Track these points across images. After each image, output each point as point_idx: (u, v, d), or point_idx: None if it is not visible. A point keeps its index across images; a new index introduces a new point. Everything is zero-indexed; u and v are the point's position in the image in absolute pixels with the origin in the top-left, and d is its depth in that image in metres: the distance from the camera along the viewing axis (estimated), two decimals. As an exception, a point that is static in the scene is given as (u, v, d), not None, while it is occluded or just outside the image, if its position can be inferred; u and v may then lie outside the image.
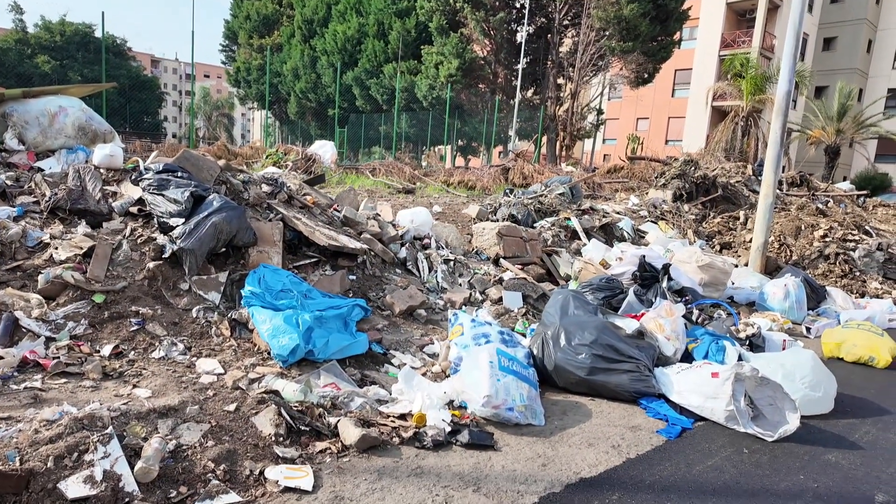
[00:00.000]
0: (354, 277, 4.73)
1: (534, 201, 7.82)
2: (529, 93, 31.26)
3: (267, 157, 10.74)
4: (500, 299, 5.18)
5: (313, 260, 4.62)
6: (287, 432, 2.79)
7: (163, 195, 3.92)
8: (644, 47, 25.34)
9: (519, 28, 30.17)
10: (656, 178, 10.44)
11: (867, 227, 10.41)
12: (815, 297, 6.79)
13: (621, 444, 3.14)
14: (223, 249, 4.05)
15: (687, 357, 4.22)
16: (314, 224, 4.76)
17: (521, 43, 29.74)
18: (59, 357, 2.99)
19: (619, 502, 2.55)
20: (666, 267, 5.55)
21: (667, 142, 39.06)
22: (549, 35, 28.67)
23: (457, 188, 11.28)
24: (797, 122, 30.71)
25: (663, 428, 3.37)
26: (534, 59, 29.27)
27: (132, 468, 2.21)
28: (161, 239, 3.81)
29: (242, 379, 3.14)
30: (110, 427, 2.36)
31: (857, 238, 8.47)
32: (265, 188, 4.78)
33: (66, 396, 2.73)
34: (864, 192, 14.96)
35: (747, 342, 4.74)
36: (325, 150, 11.67)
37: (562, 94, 28.77)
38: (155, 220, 3.90)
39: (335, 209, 5.42)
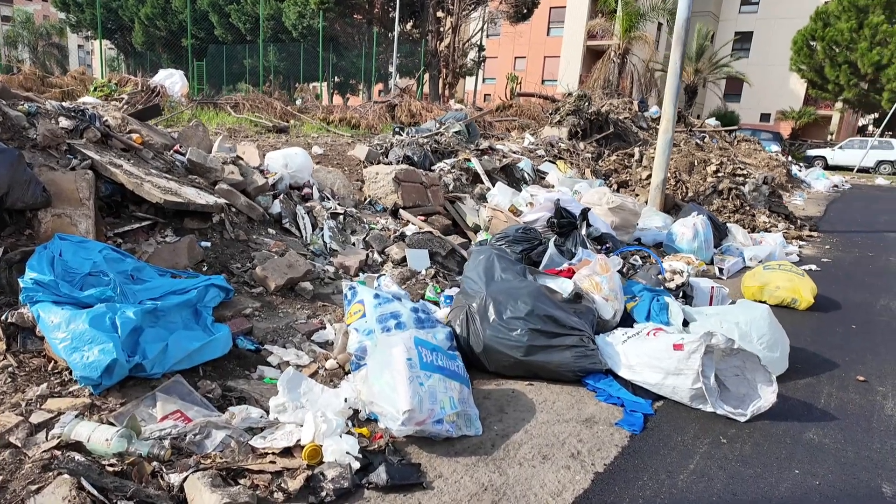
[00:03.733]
0: (209, 244, 3.54)
1: (430, 140, 6.85)
2: (409, 25, 29.50)
3: (95, 90, 8.64)
4: (404, 259, 4.26)
5: (146, 223, 3.35)
6: (95, 515, 1.72)
7: None
8: (523, -20, 24.62)
9: (393, -48, 28.05)
10: (551, 114, 9.87)
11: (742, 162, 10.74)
12: (718, 234, 6.61)
13: (581, 450, 2.43)
14: (-8, 216, 2.70)
15: (625, 319, 3.62)
16: (143, 173, 3.45)
17: (396, -31, 27.72)
18: None
19: (606, 556, 1.83)
20: (584, 212, 4.93)
21: (543, 81, 39.31)
22: (428, -38, 26.91)
23: (338, 127, 9.95)
24: (660, 61, 32.09)
25: (622, 418, 2.71)
26: (411, -13, 27.43)
27: None
28: None
29: (16, 428, 1.96)
30: None
31: (745, 173, 8.53)
32: (65, 122, 3.35)
33: None
34: (734, 127, 15.68)
35: (680, 293, 4.27)
36: (172, 80, 9.71)
37: (442, 29, 27.41)
38: None
39: (177, 151, 4.09)
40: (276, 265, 3.49)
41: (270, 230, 4.05)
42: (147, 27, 32.00)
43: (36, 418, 2.03)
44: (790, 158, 19.42)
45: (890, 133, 26.75)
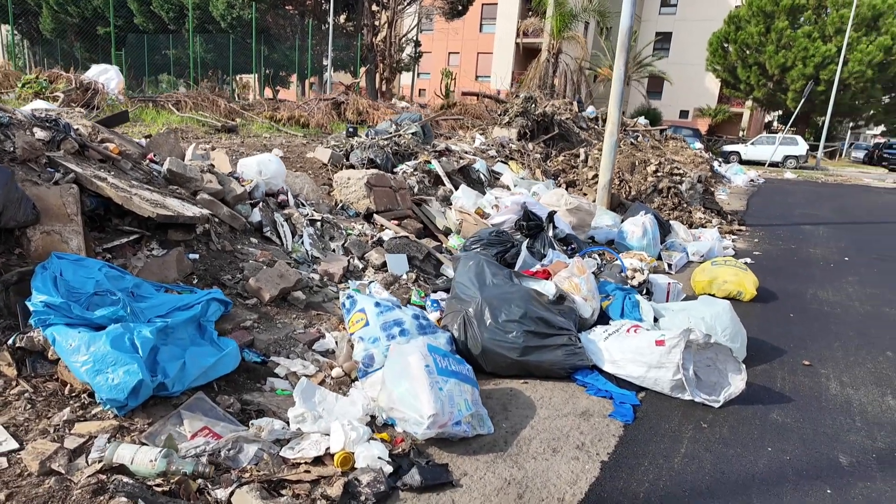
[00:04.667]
0: (197, 256, 3.50)
1: (390, 143, 6.92)
2: (342, 18, 29.08)
3: (24, 87, 8.06)
4: (384, 265, 4.36)
5: (133, 237, 3.29)
6: (154, 535, 1.76)
7: None
8: (457, -23, 24.84)
9: (325, -57, 27.56)
10: (500, 116, 10.13)
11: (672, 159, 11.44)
12: (663, 231, 7.09)
13: (584, 441, 2.65)
14: (-16, 236, 2.59)
15: (600, 316, 3.90)
16: (127, 185, 3.37)
17: (328, -39, 27.25)
18: None
19: (628, 536, 2.06)
20: (551, 215, 5.18)
21: (477, 77, 39.82)
22: (360, -44, 26.62)
23: (286, 126, 9.79)
24: (589, 59, 33.28)
25: (614, 410, 2.97)
26: (344, -20, 27.04)
27: None
28: None
29: (56, 455, 1.95)
30: None
31: (681, 172, 9.13)
32: (41, 134, 3.22)
33: None
34: (664, 127, 16.58)
35: (644, 290, 4.61)
36: (107, 76, 9.20)
37: (377, 23, 27.22)
38: None
39: (152, 160, 3.99)
40: (268, 276, 3.51)
41: (252, 239, 4.03)
42: (57, 13, 29.76)
43: (70, 443, 2.02)
44: (711, 155, 20.75)
45: (794, 129, 29.04)
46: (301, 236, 4.30)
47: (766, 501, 2.31)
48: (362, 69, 26.80)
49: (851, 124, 41.34)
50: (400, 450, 2.43)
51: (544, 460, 2.48)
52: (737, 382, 3.08)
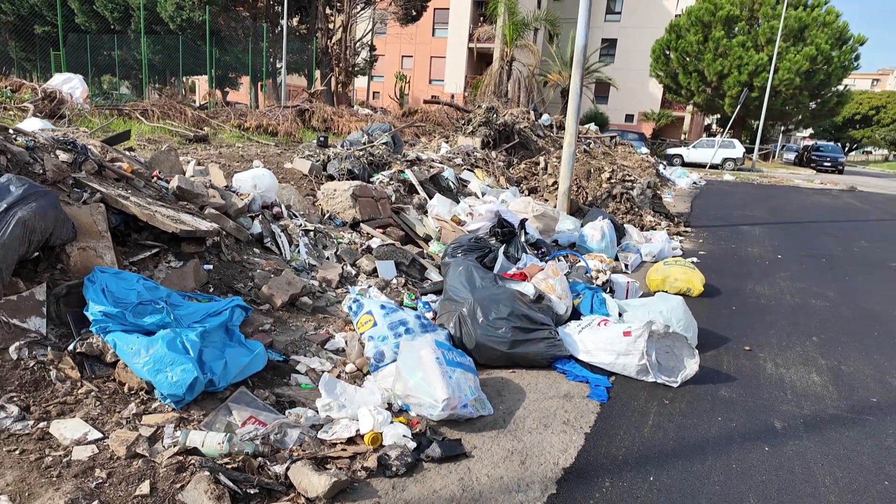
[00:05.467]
0: (211, 266, 3.81)
1: (365, 153, 7.28)
2: (295, 21, 29.00)
3: (-12, 97, 7.99)
4: (374, 271, 4.74)
5: (154, 251, 3.57)
6: (232, 503, 2.12)
7: (-84, 180, 2.52)
8: (411, -18, 25.25)
9: (276, -53, 27.45)
10: (464, 125, 10.62)
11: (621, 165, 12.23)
12: (618, 234, 7.73)
13: (569, 418, 3.14)
14: (35, 254, 2.84)
15: (573, 313, 4.41)
16: (145, 202, 3.64)
17: (280, -36, 27.17)
18: None
19: (613, 489, 2.54)
20: (523, 222, 5.69)
21: (431, 80, 40.34)
22: (313, -41, 26.66)
23: (254, 133, 9.97)
24: (539, 66, 34.32)
25: (590, 392, 3.47)
26: (296, -17, 26.97)
27: None
28: (-72, 249, 2.48)
29: (138, 441, 2.28)
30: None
31: (632, 179, 9.85)
32: (63, 156, 3.45)
33: None
34: (614, 134, 17.47)
35: (608, 289, 5.17)
36: (71, 85, 9.16)
37: (332, 27, 27.30)
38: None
39: (157, 177, 4.24)
40: (278, 283, 3.85)
41: (255, 250, 4.35)
42: (-12, 10, 28.45)
43: (144, 432, 2.34)
44: (657, 158, 21.91)
45: (731, 133, 30.84)
46: (297, 246, 4.64)
47: (718, 459, 2.85)
48: (317, 72, 26.83)
49: (783, 128, 44.09)
50: (417, 430, 2.84)
51: (538, 434, 2.95)
52: (691, 365, 3.64)
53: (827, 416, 3.37)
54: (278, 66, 27.89)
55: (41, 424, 2.28)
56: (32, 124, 4.58)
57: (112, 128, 8.48)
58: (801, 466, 2.82)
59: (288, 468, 2.36)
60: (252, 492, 2.19)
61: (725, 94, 30.71)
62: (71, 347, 2.65)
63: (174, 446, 2.30)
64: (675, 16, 37.36)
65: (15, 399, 2.36)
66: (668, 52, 33.73)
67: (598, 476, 2.63)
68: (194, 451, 2.30)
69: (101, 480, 2.06)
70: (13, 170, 3.17)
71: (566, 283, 4.40)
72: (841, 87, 32.82)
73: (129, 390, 2.62)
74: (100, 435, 2.29)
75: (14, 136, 3.42)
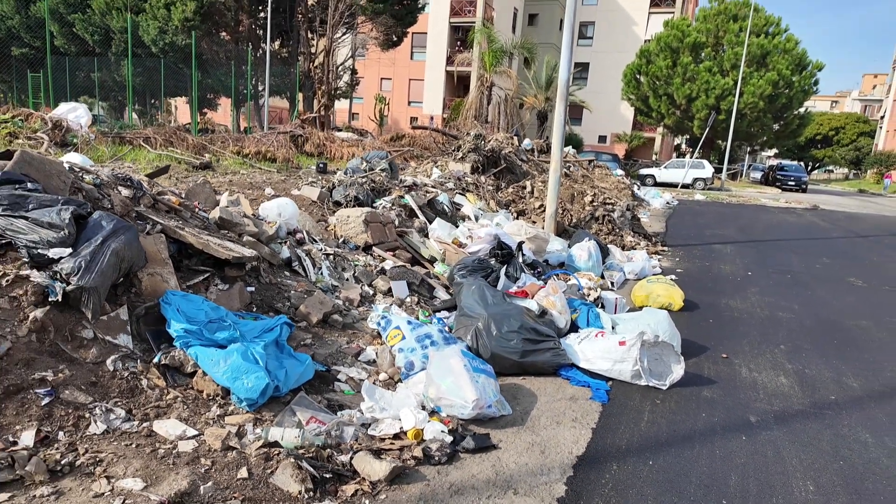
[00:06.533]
0: (253, 288, 4.24)
1: (367, 180, 7.78)
2: (277, 45, 29.52)
3: (1, 127, 8.28)
4: (389, 290, 5.22)
5: (205, 276, 4.00)
6: (313, 485, 2.56)
7: (25, 217, 2.92)
8: (392, 10, 26.02)
9: (259, -27, 28.03)
10: (454, 151, 11.21)
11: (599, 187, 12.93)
12: (603, 254, 8.33)
13: (577, 416, 3.64)
14: (120, 280, 3.25)
15: (572, 326, 4.94)
16: (196, 232, 4.08)
17: (263, -11, 27.78)
18: (-25, 466, 2.16)
19: (619, 471, 3.04)
20: (520, 244, 6.23)
21: (409, 102, 41.14)
22: (296, -15, 27.31)
23: (254, 160, 10.39)
24: (517, 90, 35.36)
25: (592, 395, 3.98)
26: (278, 8, 27.55)
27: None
28: (37, 277, 2.88)
29: (229, 436, 2.71)
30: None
31: (613, 202, 10.52)
32: (125, 192, 3.87)
33: (30, 517, 2.04)
34: (592, 158, 18.27)
35: (599, 304, 5.72)
36: (77, 114, 9.49)
37: (314, 51, 27.88)
38: (24, 252, 2.90)
39: (197, 208, 4.67)
40: (313, 302, 4.30)
41: (286, 272, 4.79)
42: (-37, 32, 28.36)
43: (231, 430, 2.77)
44: (632, 180, 22.85)
45: (701, 154, 32.15)
46: (320, 268, 5.09)
47: (704, 446, 3.38)
48: (300, 95, 27.31)
49: (749, 148, 45.92)
50: (450, 427, 3.31)
51: (552, 429, 3.44)
52: (678, 370, 4.18)
53: (793, 412, 3.94)
54: (261, 88, 28.32)
55: (145, 424, 2.70)
56: (73, 158, 4.96)
57: (121, 155, 8.83)
58: (772, 451, 3.37)
59: (351, 458, 2.81)
60: (327, 476, 2.63)
61: (694, 117, 32.06)
62: (156, 360, 3.07)
63: (258, 440, 2.74)
64: (645, 41, 38.91)
65: (118, 404, 2.77)
66: (638, 76, 35.09)
67: (606, 462, 3.13)
68: (275, 444, 2.74)
69: (207, 467, 2.49)
70: (90, 204, 3.58)
71: (565, 300, 4.94)
72: (802, 110, 34.57)
73: (207, 396, 3.04)
74: (195, 432, 2.72)
75: (81, 174, 3.83)
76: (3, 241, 2.94)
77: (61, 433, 2.51)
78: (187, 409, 2.89)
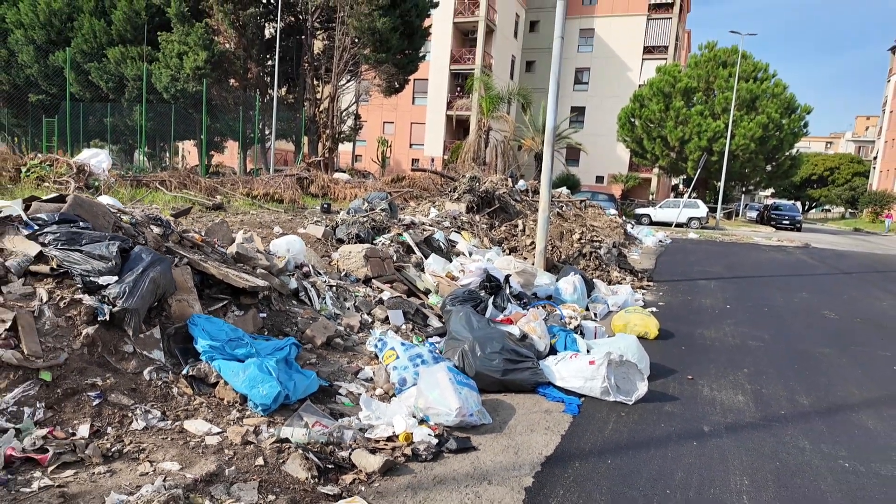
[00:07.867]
0: (265, 315, 4.79)
1: (368, 219, 8.41)
2: (283, 91, 30.81)
3: (30, 172, 8.99)
4: (387, 318, 5.76)
5: (223, 303, 4.56)
6: (318, 473, 3.06)
7: (80, 251, 3.51)
8: (394, 59, 27.29)
9: (268, 24, 29.53)
10: (451, 192, 11.91)
11: (591, 225, 13.55)
12: (588, 287, 8.88)
13: (550, 426, 4.13)
14: (155, 304, 3.82)
15: (551, 350, 5.45)
16: (216, 265, 4.66)
17: (270, 39, 29.22)
18: (47, 449, 2.68)
19: (581, 468, 3.53)
20: (507, 277, 6.79)
21: (411, 145, 42.36)
22: (303, 36, 28.74)
23: (263, 201, 11.07)
24: (514, 133, 36.53)
25: (565, 408, 4.47)
26: (286, 57, 28.92)
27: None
28: (89, 300, 3.44)
29: (247, 433, 3.22)
30: (193, 504, 2.40)
31: (600, 239, 11.12)
32: (156, 230, 4.47)
33: (92, 488, 2.55)
34: (584, 198, 19.00)
35: (578, 332, 6.23)
36: (98, 159, 10.22)
37: (319, 97, 29.11)
38: (78, 279, 3.48)
39: (216, 243, 5.27)
40: (317, 327, 4.84)
41: (294, 301, 5.35)
42: (-14, 81, 29.76)
43: (249, 429, 3.28)
44: (625, 219, 23.54)
45: (696, 194, 32.98)
46: (324, 298, 5.64)
47: (658, 450, 3.85)
48: (305, 139, 28.37)
49: (744, 188, 46.89)
50: (437, 433, 3.81)
51: (526, 436, 3.93)
52: (642, 387, 4.68)
53: (744, 423, 4.42)
54: (267, 132, 29.46)
55: (177, 423, 3.22)
56: (106, 200, 5.59)
57: (143, 198, 9.50)
58: (718, 454, 3.84)
59: (350, 453, 3.31)
60: (330, 467, 3.13)
61: (688, 158, 33.03)
62: (184, 372, 3.60)
63: (272, 437, 3.25)
64: (639, 86, 40.31)
65: (154, 406, 3.29)
66: (633, 120, 36.26)
67: (571, 461, 3.62)
68: (286, 440, 3.25)
69: (230, 455, 3.00)
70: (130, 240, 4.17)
71: (545, 326, 5.47)
72: (794, 151, 35.60)
73: (227, 403, 3.56)
74: (219, 430, 3.23)
75: (119, 214, 4.44)
76: (62, 271, 3.51)
77: (109, 428, 3.03)
78: (211, 413, 3.41)
